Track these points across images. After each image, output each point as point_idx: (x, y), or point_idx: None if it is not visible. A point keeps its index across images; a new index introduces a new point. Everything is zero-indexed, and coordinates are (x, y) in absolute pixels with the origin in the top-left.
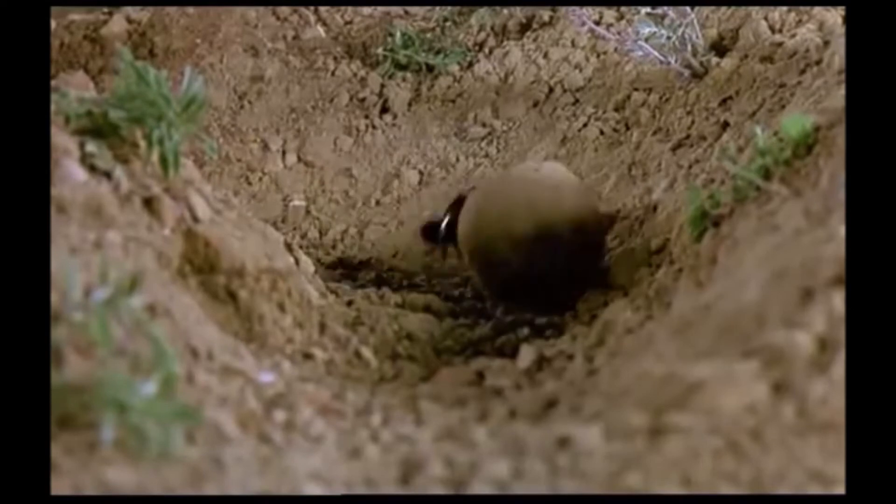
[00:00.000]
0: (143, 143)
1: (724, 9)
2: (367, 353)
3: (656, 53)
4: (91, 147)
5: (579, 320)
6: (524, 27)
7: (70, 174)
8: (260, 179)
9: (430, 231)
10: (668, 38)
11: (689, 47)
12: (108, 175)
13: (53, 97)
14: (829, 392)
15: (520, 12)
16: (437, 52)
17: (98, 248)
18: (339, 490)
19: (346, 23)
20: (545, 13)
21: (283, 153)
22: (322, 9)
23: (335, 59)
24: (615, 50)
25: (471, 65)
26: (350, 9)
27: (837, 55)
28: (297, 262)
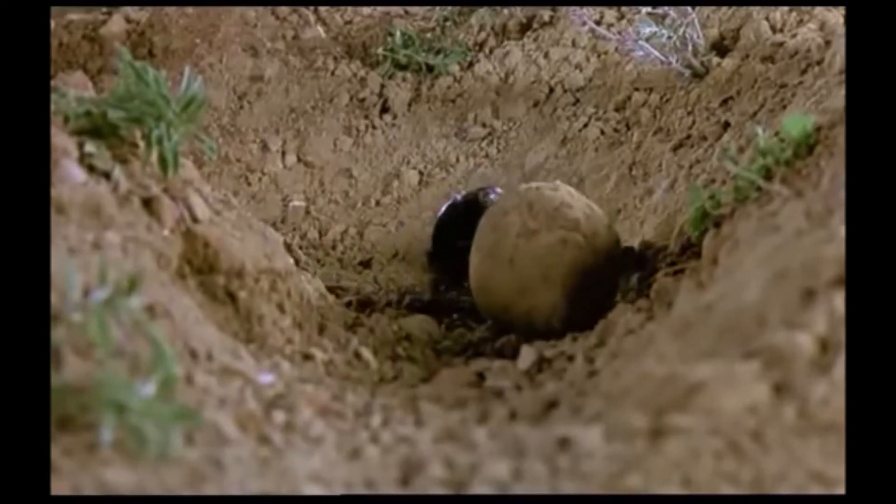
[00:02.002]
0: (142, 144)
1: (725, 8)
2: (366, 353)
3: (657, 53)
4: (90, 147)
5: None
6: (524, 27)
7: (69, 174)
8: (259, 180)
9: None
10: (669, 37)
11: (690, 47)
12: (106, 175)
13: (52, 97)
14: (830, 393)
15: (520, 12)
16: (437, 52)
17: (97, 249)
18: (338, 491)
19: (346, 23)
20: (546, 13)
21: (283, 153)
22: (322, 9)
23: (335, 59)
24: (616, 50)
25: (471, 65)
26: (350, 9)
27: (839, 55)
28: (296, 262)
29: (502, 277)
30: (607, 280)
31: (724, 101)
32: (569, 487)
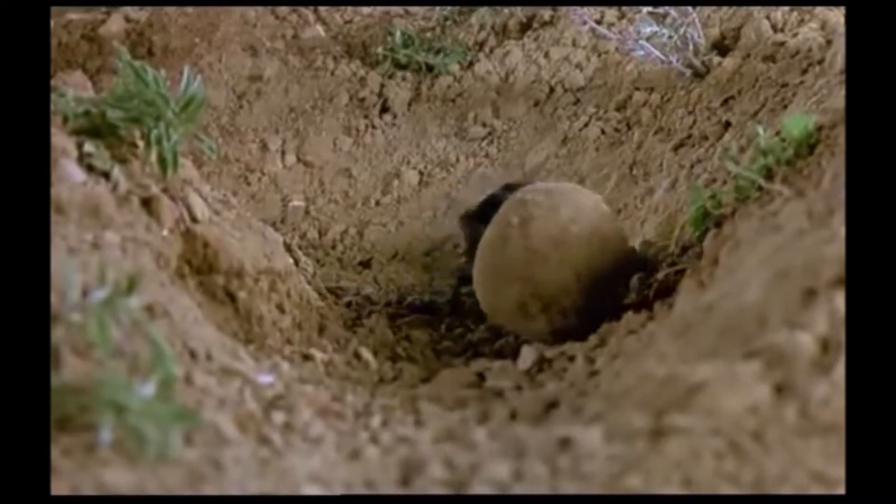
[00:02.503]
0: (141, 143)
1: (725, 8)
2: (366, 354)
3: (658, 53)
4: (89, 147)
5: None
6: (525, 26)
7: (68, 174)
8: (259, 179)
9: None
10: (670, 37)
11: (691, 46)
12: (106, 175)
13: (51, 97)
14: (831, 393)
15: (520, 11)
16: (438, 52)
17: (96, 249)
18: (338, 491)
19: (346, 22)
20: (546, 12)
21: (283, 153)
22: (322, 8)
23: (335, 58)
24: (616, 49)
25: (471, 64)
26: (350, 8)
27: (840, 54)
28: (296, 262)
29: (503, 308)
30: (613, 288)
31: (725, 101)
32: (569, 488)
